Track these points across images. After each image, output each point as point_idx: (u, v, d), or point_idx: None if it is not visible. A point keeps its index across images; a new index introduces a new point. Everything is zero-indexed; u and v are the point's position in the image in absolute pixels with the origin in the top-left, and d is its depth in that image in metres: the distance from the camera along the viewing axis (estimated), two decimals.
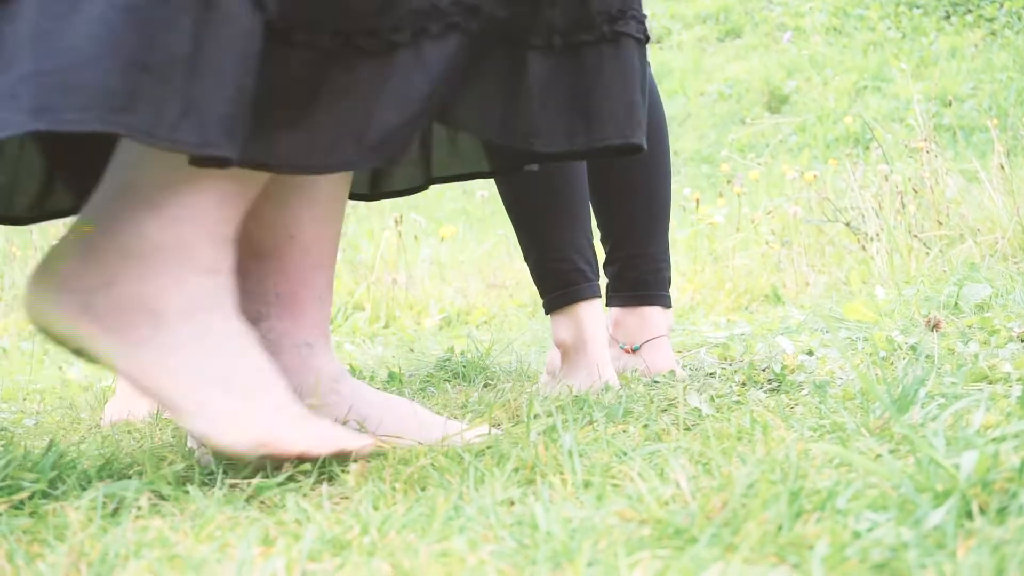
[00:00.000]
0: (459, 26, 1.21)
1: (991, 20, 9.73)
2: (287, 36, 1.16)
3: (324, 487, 1.15)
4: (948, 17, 9.93)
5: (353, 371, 1.96)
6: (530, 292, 3.71)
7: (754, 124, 8.28)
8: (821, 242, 3.70)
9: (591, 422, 1.35)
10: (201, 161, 1.12)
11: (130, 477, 1.26)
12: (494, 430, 1.32)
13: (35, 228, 4.28)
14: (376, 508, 1.06)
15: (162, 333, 1.19)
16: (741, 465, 1.04)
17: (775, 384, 1.62)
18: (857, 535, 0.82)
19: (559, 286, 1.77)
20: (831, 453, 1.02)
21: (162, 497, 1.16)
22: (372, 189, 1.56)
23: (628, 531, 0.90)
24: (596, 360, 1.70)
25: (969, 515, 0.84)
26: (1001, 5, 9.81)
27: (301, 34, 1.16)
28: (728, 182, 4.94)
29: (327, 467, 1.23)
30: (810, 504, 0.90)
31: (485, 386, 1.82)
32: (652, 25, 10.58)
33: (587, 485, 1.07)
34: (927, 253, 3.18)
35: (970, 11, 9.89)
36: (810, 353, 1.87)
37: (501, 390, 1.69)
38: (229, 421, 1.17)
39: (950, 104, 7.59)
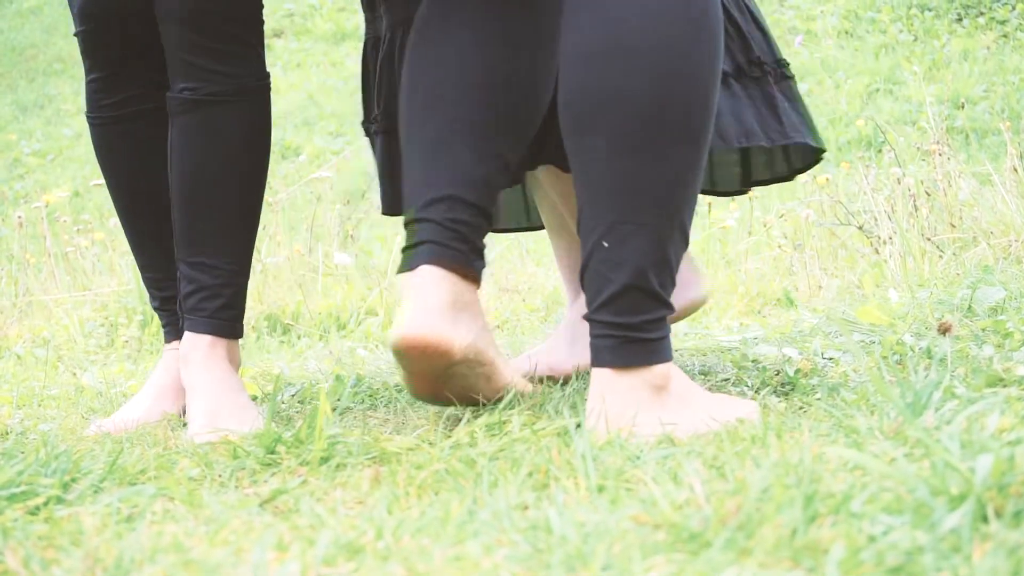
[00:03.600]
0: None
1: (1003, 22, 9.70)
2: None
3: (338, 492, 1.15)
4: (960, 20, 9.91)
5: (360, 380, 1.96)
6: (542, 296, 3.71)
7: None
8: (834, 245, 3.70)
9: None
10: None
11: (143, 483, 1.26)
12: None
13: (48, 235, 4.30)
14: (390, 512, 1.06)
15: None
16: (755, 469, 1.04)
17: (788, 388, 1.61)
18: (872, 539, 0.82)
19: None
20: (845, 457, 1.02)
21: (175, 501, 1.16)
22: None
23: (642, 535, 0.90)
24: None
25: (985, 519, 0.84)
26: (1013, 7, 9.78)
27: None
28: None
29: (340, 470, 1.23)
30: (825, 508, 0.89)
31: None
32: None
33: (601, 489, 1.07)
34: (940, 256, 3.17)
35: (982, 13, 9.86)
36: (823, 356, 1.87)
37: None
38: None
39: (962, 106, 7.57)
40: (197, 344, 1.72)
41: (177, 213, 1.75)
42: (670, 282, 1.40)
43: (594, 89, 1.40)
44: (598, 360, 1.39)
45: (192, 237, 1.74)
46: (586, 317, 1.40)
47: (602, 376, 1.38)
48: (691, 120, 1.40)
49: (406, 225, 1.49)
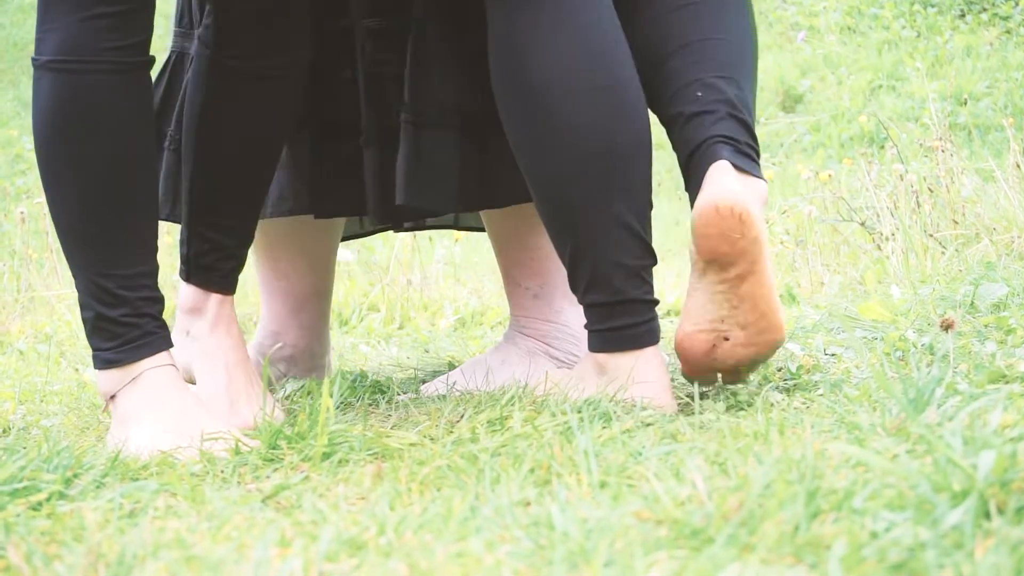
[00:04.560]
0: None
1: (1006, 18, 9.69)
2: None
3: (340, 488, 1.15)
4: (963, 15, 9.90)
5: (362, 376, 1.96)
6: None
7: (768, 124, 8.26)
8: (836, 242, 3.69)
9: (607, 424, 1.35)
10: None
11: (145, 478, 1.26)
12: None
13: (50, 230, 4.30)
14: (392, 508, 1.06)
15: None
16: (757, 465, 1.04)
17: (791, 384, 1.61)
18: (874, 535, 0.82)
19: None
20: (848, 453, 1.02)
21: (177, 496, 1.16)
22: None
23: (645, 531, 0.90)
24: None
25: (987, 515, 0.84)
26: (1016, 3, 9.77)
27: None
28: None
29: (342, 466, 1.23)
30: (827, 504, 0.89)
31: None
32: None
33: (603, 485, 1.07)
34: (943, 252, 3.17)
35: (985, 9, 9.85)
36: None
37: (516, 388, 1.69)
38: None
39: (965, 103, 7.56)
40: (209, 300, 1.72)
41: (204, 176, 1.70)
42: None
43: None
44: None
45: (214, 201, 1.71)
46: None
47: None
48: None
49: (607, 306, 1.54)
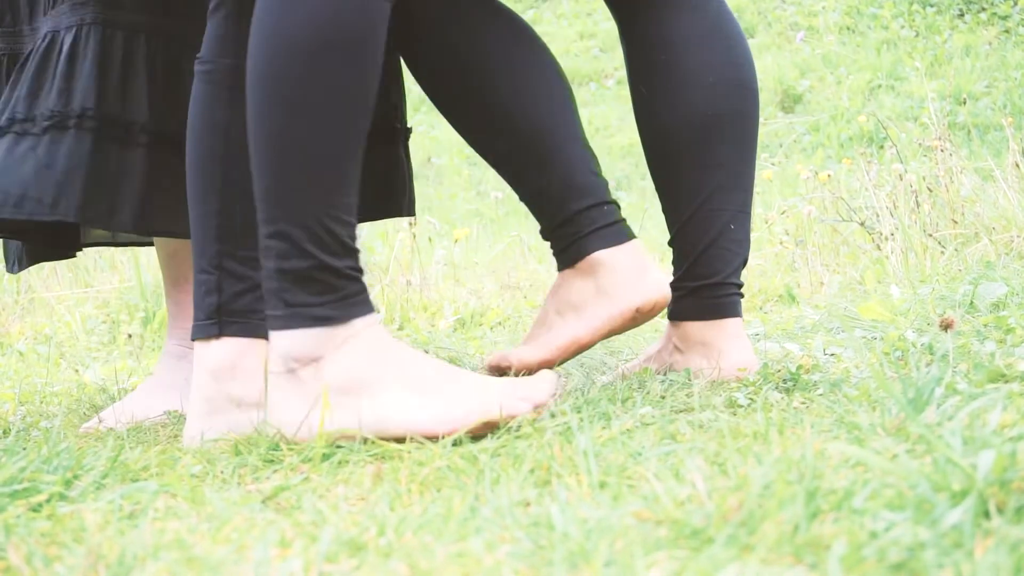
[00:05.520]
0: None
1: (1005, 18, 9.70)
2: None
3: (340, 488, 1.15)
4: (962, 15, 9.91)
5: None
6: (543, 293, 3.71)
7: (767, 124, 8.26)
8: (835, 242, 3.70)
9: (607, 424, 1.35)
10: None
11: (145, 479, 1.26)
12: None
13: None
14: (392, 509, 1.06)
15: None
16: (757, 465, 1.04)
17: (790, 384, 1.61)
18: (874, 535, 0.82)
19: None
20: (847, 453, 1.02)
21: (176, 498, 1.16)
22: None
23: (644, 531, 0.90)
24: None
25: (987, 515, 0.84)
26: (1015, 3, 9.78)
27: None
28: None
29: (342, 466, 1.23)
30: (827, 504, 0.89)
31: None
32: None
33: (603, 485, 1.07)
34: (942, 252, 3.17)
35: (984, 9, 9.86)
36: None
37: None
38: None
39: (964, 102, 7.57)
40: (255, 349, 1.48)
41: (237, 199, 1.45)
42: None
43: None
44: (732, 312, 1.75)
45: (249, 225, 1.44)
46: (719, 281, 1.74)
47: (734, 324, 1.74)
48: None
49: (599, 206, 1.67)
